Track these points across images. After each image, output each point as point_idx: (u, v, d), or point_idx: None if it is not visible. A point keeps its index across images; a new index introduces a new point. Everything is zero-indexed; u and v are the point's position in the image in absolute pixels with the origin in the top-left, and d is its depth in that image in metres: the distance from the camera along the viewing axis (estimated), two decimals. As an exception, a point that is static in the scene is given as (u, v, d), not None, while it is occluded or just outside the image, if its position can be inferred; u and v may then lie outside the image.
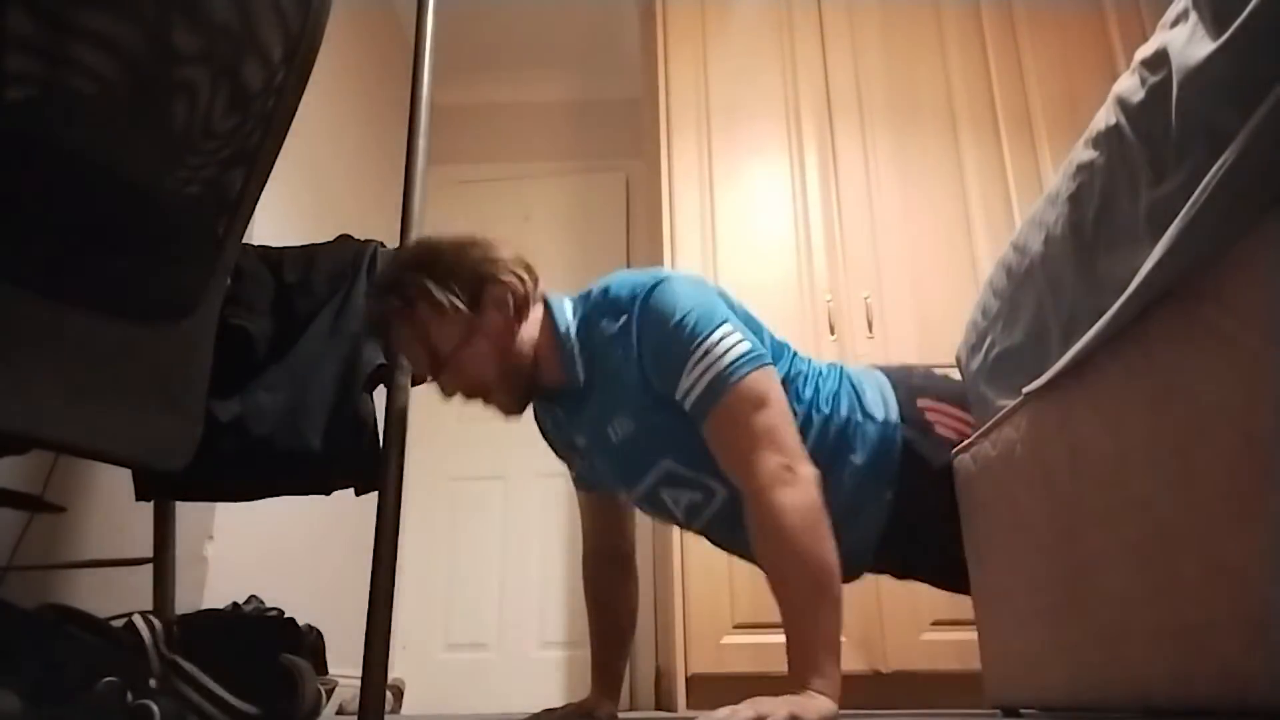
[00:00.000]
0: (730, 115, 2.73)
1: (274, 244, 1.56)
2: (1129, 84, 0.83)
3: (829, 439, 1.23)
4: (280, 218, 2.18)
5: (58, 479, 1.62)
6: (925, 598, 1.80)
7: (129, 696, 0.96)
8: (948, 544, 1.28)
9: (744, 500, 1.09)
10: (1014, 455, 1.10)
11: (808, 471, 1.08)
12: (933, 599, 1.66)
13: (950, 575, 1.31)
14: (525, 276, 1.22)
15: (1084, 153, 0.92)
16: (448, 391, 1.21)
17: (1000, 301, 1.17)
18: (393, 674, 2.42)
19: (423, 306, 1.16)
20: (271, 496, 1.55)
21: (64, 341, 0.83)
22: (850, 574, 1.14)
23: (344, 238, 1.58)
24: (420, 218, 1.41)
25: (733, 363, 1.10)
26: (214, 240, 0.98)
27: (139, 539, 1.55)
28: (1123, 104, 0.83)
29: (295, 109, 1.00)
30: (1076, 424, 0.96)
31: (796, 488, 1.05)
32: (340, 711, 2.14)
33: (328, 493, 1.53)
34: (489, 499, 3.30)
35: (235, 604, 1.53)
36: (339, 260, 1.51)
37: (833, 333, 2.50)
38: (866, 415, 1.26)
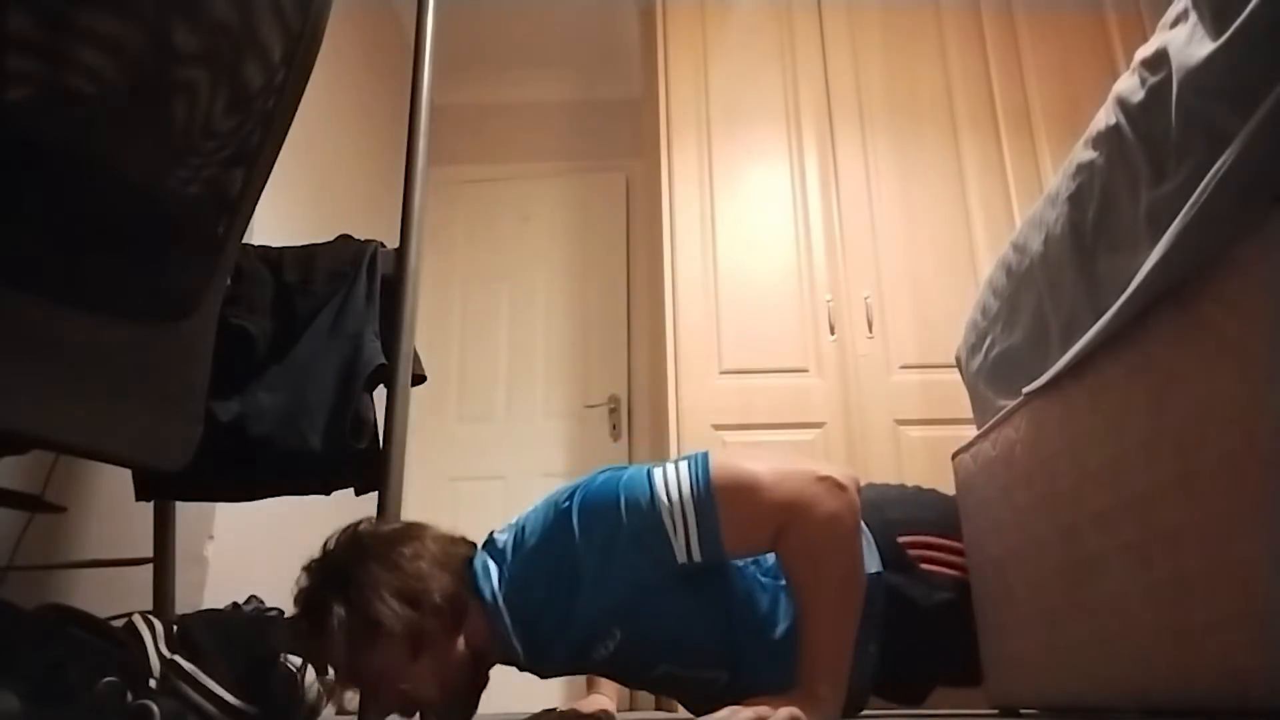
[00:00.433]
0: (730, 115, 2.73)
1: (274, 244, 1.56)
2: (1129, 84, 0.82)
3: None
4: (280, 218, 2.18)
5: (58, 479, 1.62)
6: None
7: (129, 696, 0.96)
8: (953, 666, 1.26)
9: (784, 540, 1.04)
10: (1014, 455, 1.10)
11: (843, 478, 1.05)
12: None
13: (961, 681, 1.29)
14: (459, 578, 1.09)
15: (1084, 153, 0.92)
16: (383, 710, 1.09)
17: (1000, 301, 1.17)
18: (393, 674, 2.41)
19: (338, 633, 1.02)
20: (271, 496, 1.55)
21: (64, 341, 0.82)
22: (851, 713, 1.13)
23: (344, 238, 1.58)
24: (420, 218, 1.41)
25: (694, 479, 1.03)
26: (214, 240, 0.98)
27: (139, 539, 1.55)
28: (1123, 104, 0.83)
29: (295, 109, 1.00)
30: (1076, 424, 0.96)
31: (838, 496, 1.03)
32: (340, 711, 2.14)
33: (328, 493, 1.52)
34: (489, 499, 3.29)
35: (235, 604, 1.53)
36: (339, 260, 1.51)
37: (833, 333, 2.50)
38: None
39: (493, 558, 1.13)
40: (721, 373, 2.48)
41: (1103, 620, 0.90)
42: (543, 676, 1.24)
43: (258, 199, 1.02)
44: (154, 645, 1.11)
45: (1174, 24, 0.76)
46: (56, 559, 1.74)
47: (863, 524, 1.23)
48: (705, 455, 1.06)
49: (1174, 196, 0.74)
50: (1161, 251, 0.75)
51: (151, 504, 1.54)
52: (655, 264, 2.79)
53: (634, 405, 3.39)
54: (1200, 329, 0.74)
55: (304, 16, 0.95)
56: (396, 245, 1.42)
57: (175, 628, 1.18)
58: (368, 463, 1.39)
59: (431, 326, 3.32)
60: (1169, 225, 0.73)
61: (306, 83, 0.99)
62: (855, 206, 2.63)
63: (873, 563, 1.20)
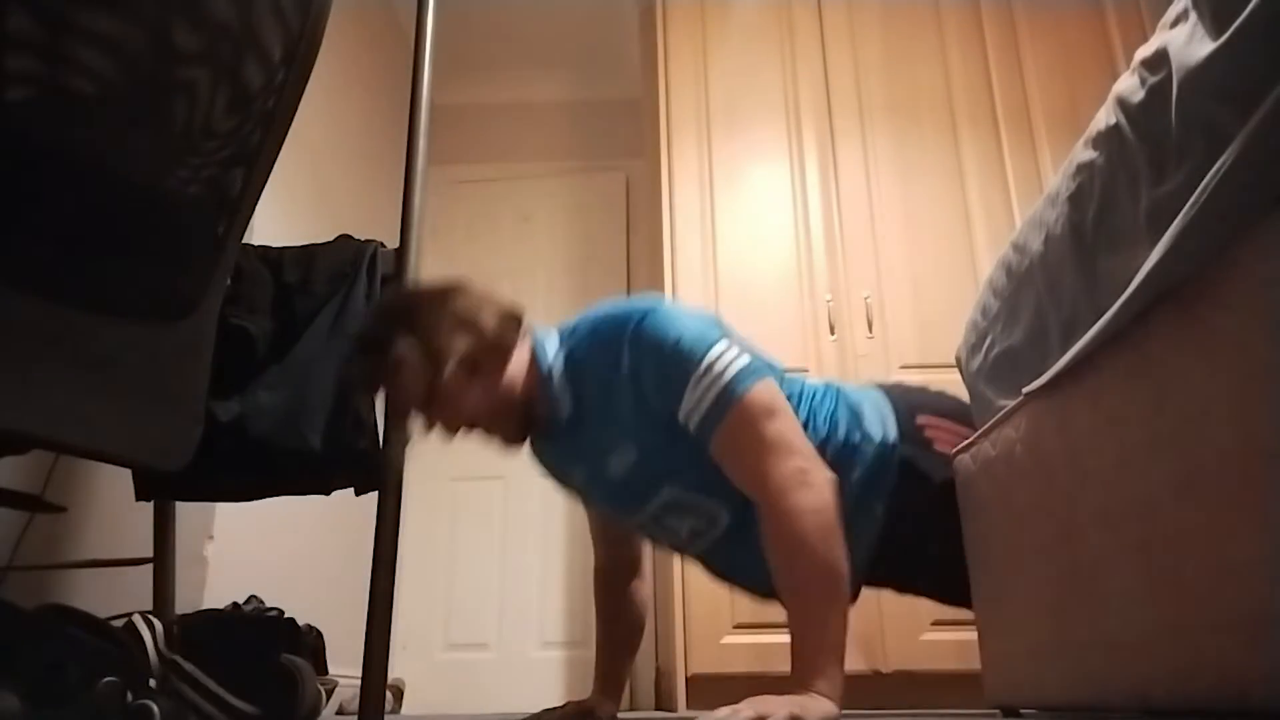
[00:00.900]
0: (730, 115, 2.73)
1: (274, 244, 1.56)
2: (1129, 84, 0.83)
3: (826, 461, 1.20)
4: (280, 218, 2.18)
5: (58, 479, 1.61)
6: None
7: (129, 696, 0.96)
8: (948, 558, 1.28)
9: (759, 510, 1.08)
10: (1014, 455, 1.10)
11: (823, 475, 1.07)
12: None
13: (950, 589, 1.31)
14: (508, 321, 1.22)
15: (1084, 153, 0.92)
16: (449, 431, 1.21)
17: (1000, 301, 1.17)
18: (393, 674, 2.43)
19: (407, 361, 1.16)
20: (271, 496, 1.55)
21: (64, 341, 0.82)
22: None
23: (344, 238, 1.58)
24: (420, 218, 1.41)
25: (735, 377, 1.09)
26: (214, 240, 0.98)
27: (139, 539, 1.55)
28: (1123, 104, 0.83)
29: (295, 109, 1.00)
30: (1076, 424, 0.96)
31: (813, 490, 1.05)
32: (340, 711, 2.14)
33: (328, 493, 1.53)
34: (489, 499, 3.30)
35: (235, 604, 1.54)
36: (339, 260, 1.51)
37: (833, 333, 2.50)
38: (865, 436, 1.24)
39: (555, 334, 1.26)
40: (721, 372, 2.48)
41: (1103, 620, 0.90)
42: (563, 482, 1.37)
43: (258, 199, 1.02)
44: (154, 645, 1.11)
45: (1174, 24, 0.76)
46: (56, 559, 1.74)
47: (881, 394, 1.31)
48: (761, 373, 1.12)
49: (1174, 196, 0.74)
50: (1161, 251, 0.75)
51: (151, 504, 1.54)
52: (655, 264, 2.79)
53: (634, 405, 3.39)
54: (1200, 329, 0.74)
55: (304, 16, 0.95)
56: (396, 245, 1.42)
57: (175, 628, 1.18)
58: (368, 463, 1.39)
59: (431, 326, 3.31)
60: (1169, 225, 0.73)
61: (306, 83, 0.99)
62: (855, 206, 2.63)
63: (891, 433, 1.26)
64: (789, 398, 1.24)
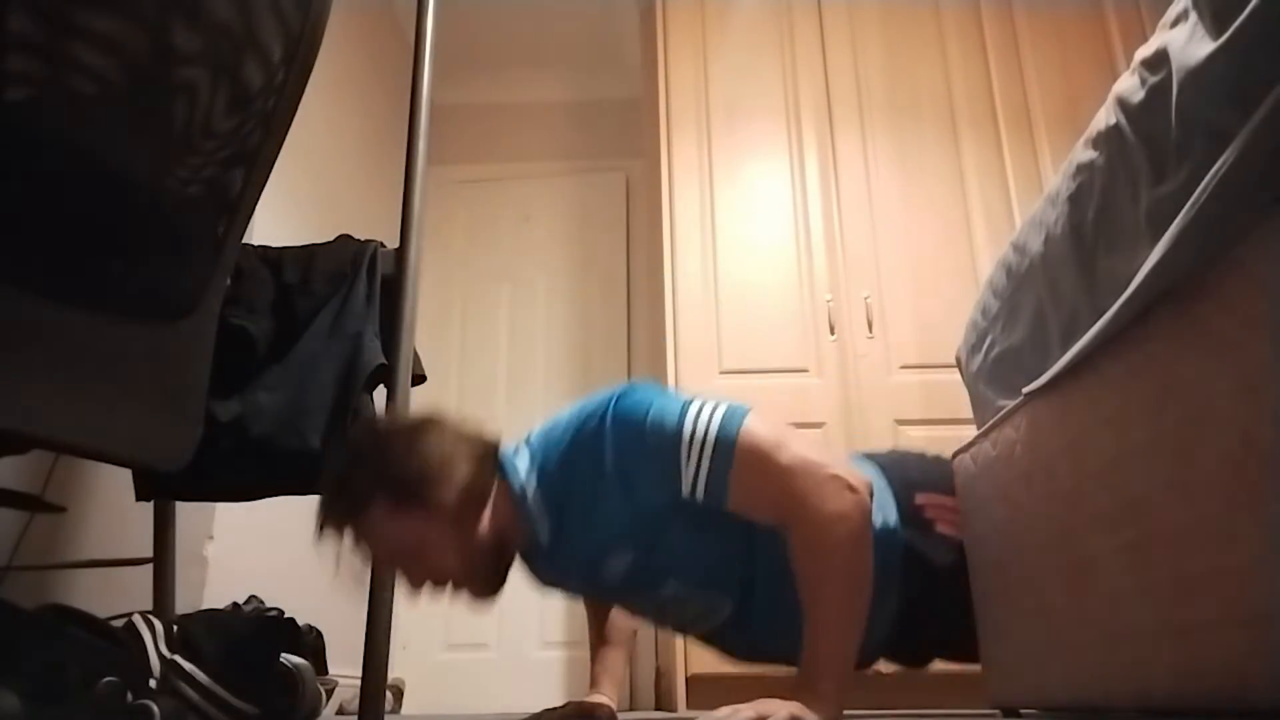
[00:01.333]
0: (730, 115, 2.73)
1: (274, 244, 1.56)
2: (1129, 84, 0.82)
3: None
4: (280, 218, 2.18)
5: (58, 479, 1.62)
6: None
7: (129, 696, 0.96)
8: (959, 633, 1.26)
9: (791, 533, 1.04)
10: (1014, 455, 1.10)
11: (858, 479, 1.05)
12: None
13: (963, 656, 1.30)
14: (483, 463, 1.13)
15: (1084, 153, 0.92)
16: (414, 585, 1.13)
17: (1000, 301, 1.17)
18: (393, 674, 2.42)
19: (374, 508, 1.08)
20: (271, 496, 1.55)
21: (64, 341, 0.82)
22: (859, 668, 1.14)
23: (344, 238, 1.58)
24: (420, 218, 1.41)
25: (722, 425, 1.05)
26: (214, 240, 0.98)
27: (139, 539, 1.55)
28: (1123, 104, 0.83)
29: (295, 109, 1.00)
30: (1076, 424, 0.96)
31: (847, 497, 1.03)
32: (340, 711, 2.14)
33: (328, 493, 1.52)
34: (489, 499, 3.30)
35: (235, 604, 1.53)
36: (339, 260, 1.51)
37: (833, 333, 2.50)
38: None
39: (526, 449, 1.18)
40: (721, 372, 2.48)
41: (1103, 620, 0.90)
42: (558, 588, 1.30)
43: (258, 199, 1.02)
44: (154, 645, 1.12)
45: (1174, 24, 0.76)
46: (56, 559, 1.74)
47: (884, 479, 1.27)
48: (744, 410, 1.08)
49: (1174, 196, 0.74)
50: (1161, 251, 0.75)
51: (151, 504, 1.54)
52: (655, 264, 2.80)
53: (634, 405, 3.39)
54: (1200, 329, 0.73)
55: (304, 17, 0.95)
56: (396, 245, 1.42)
57: (175, 628, 1.18)
58: (368, 463, 1.39)
59: (431, 326, 3.32)
60: (1169, 225, 0.73)
61: (306, 83, 0.99)
62: (855, 206, 2.63)
63: (891, 517, 1.22)
64: None
